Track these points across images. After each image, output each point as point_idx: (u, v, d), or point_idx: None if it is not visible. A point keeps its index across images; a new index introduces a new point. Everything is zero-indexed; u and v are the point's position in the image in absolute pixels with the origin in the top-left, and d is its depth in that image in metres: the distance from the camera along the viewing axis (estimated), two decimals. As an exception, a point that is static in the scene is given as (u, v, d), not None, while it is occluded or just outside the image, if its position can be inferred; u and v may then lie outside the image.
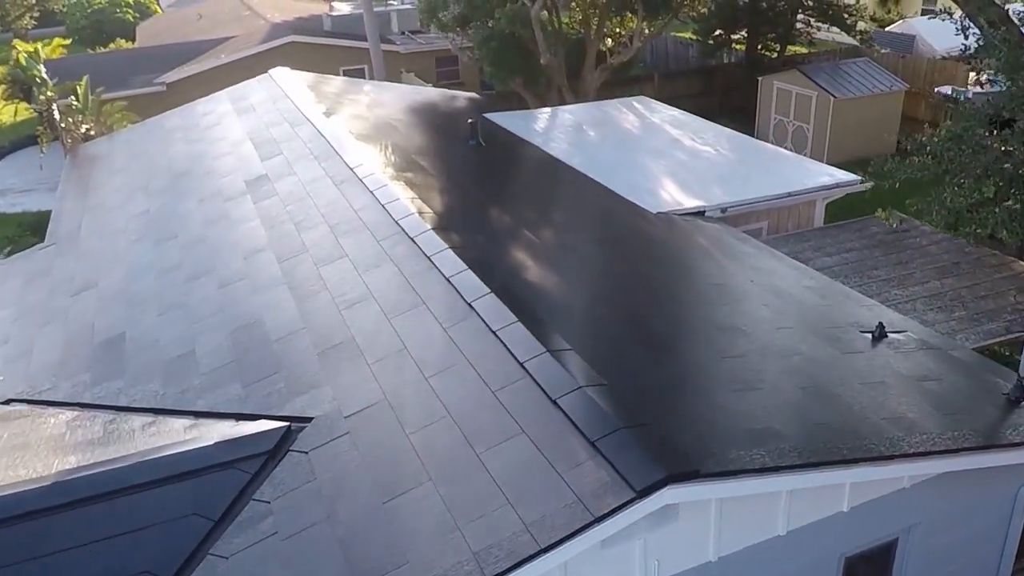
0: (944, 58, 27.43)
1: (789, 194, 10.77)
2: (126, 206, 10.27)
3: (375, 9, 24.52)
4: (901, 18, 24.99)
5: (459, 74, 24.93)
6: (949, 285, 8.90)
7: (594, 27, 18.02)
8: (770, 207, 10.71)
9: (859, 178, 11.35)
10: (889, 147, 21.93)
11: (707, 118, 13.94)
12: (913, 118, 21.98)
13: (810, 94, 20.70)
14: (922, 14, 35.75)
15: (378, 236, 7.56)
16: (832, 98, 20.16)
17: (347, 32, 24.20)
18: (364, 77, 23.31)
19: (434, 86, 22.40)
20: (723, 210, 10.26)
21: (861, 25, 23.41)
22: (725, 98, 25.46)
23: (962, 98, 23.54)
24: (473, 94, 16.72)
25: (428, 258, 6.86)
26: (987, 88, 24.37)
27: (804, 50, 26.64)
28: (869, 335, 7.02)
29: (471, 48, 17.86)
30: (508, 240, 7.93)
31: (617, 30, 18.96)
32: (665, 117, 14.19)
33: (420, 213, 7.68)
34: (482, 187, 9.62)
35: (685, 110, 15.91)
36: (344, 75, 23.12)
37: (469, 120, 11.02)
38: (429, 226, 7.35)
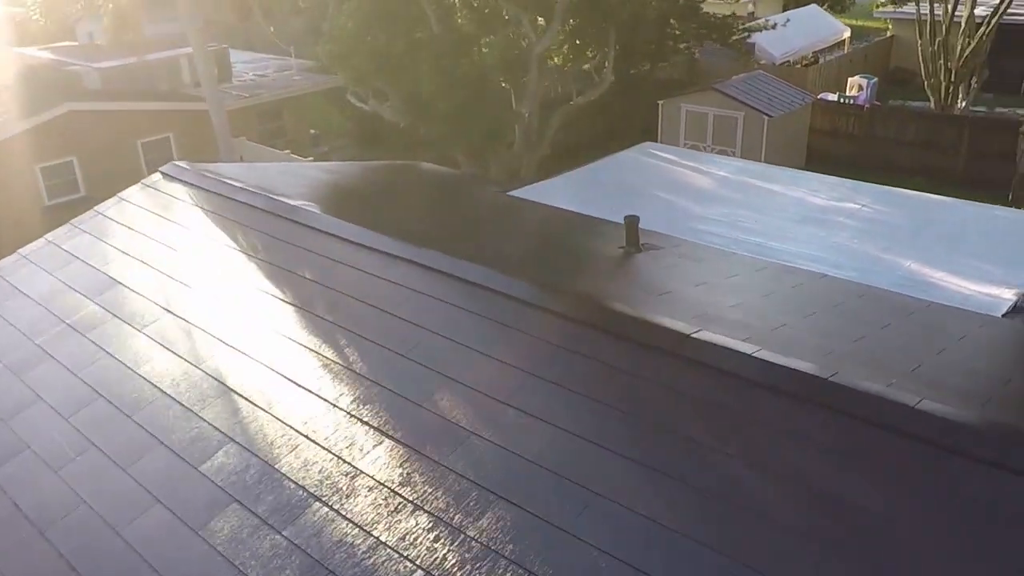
0: (785, 64, 27.06)
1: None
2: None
3: (157, 55, 18.25)
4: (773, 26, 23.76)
5: (285, 131, 19.33)
6: None
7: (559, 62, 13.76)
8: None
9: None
10: (800, 160, 20.41)
11: (593, 149, 10.81)
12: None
13: (735, 115, 18.38)
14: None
15: None
16: (766, 118, 17.97)
17: (126, 90, 17.52)
18: (170, 148, 16.97)
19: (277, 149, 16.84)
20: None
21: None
22: (594, 124, 22.56)
23: (849, 102, 22.95)
24: (419, 163, 11.81)
25: None
26: (866, 92, 24.20)
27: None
28: None
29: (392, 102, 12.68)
30: None
31: (556, 61, 14.82)
32: (730, 168, 10.50)
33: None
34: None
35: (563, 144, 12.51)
36: (143, 150, 16.68)
37: (626, 218, 6.48)
38: None
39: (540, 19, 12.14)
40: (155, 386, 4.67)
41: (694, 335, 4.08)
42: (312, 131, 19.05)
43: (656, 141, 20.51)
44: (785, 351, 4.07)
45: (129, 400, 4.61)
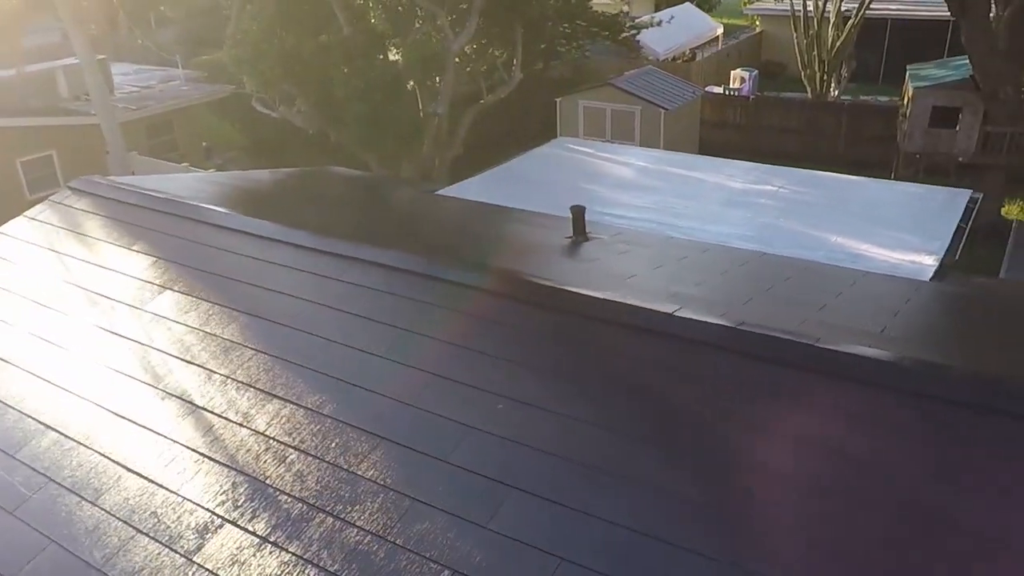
0: (667, 60, 27.92)
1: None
2: None
3: (30, 68, 17.08)
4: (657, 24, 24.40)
5: (176, 144, 18.41)
6: None
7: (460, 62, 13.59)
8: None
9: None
10: (694, 151, 21.13)
11: (497, 148, 11.06)
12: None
13: (632, 109, 18.82)
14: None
15: None
16: (663, 111, 18.48)
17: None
18: (53, 166, 15.87)
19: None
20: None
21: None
22: (491, 124, 22.60)
23: (735, 94, 23.83)
24: (335, 168, 11.43)
25: None
26: (748, 83, 25.18)
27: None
28: None
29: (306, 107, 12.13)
30: None
31: (457, 61, 14.69)
32: (647, 158, 10.74)
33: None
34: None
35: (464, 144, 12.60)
36: (23, 169, 15.54)
37: (572, 208, 6.50)
38: None
39: (451, 16, 12.04)
40: (109, 411, 4.33)
41: (677, 314, 4.12)
42: (204, 143, 18.27)
43: (556, 137, 20.77)
44: (763, 323, 4.17)
45: (83, 429, 4.25)
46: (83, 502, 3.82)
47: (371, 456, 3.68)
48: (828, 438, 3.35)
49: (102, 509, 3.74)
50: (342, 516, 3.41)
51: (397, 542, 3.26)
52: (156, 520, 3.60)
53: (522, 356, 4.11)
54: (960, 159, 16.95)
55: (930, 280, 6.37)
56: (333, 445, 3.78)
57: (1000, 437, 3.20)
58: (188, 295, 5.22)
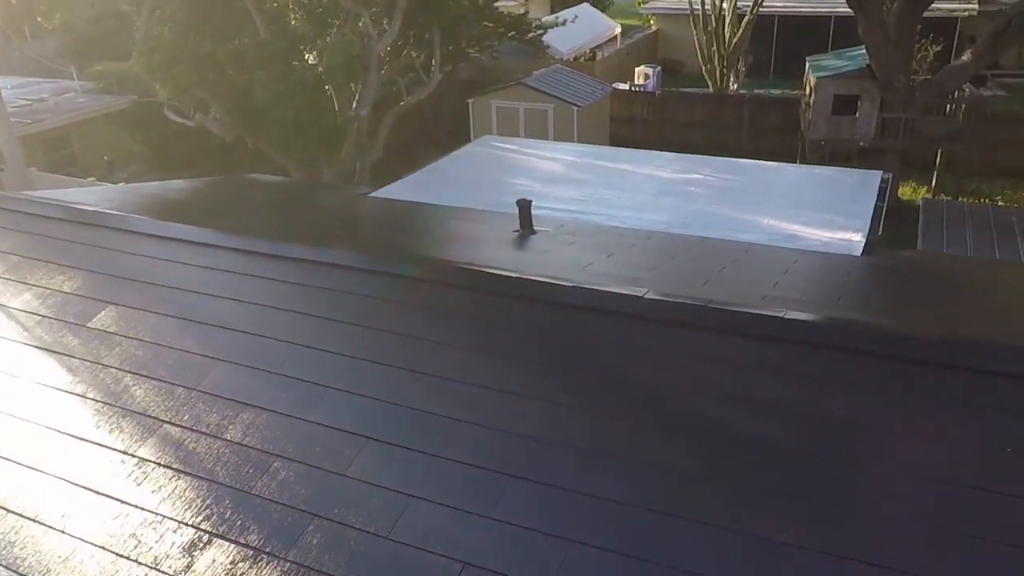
0: (570, 59, 28.31)
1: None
2: None
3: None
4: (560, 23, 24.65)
5: (75, 158, 17.45)
6: None
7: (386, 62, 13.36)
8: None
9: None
10: (605, 143, 21.51)
11: (414, 150, 11.09)
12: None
13: (544, 108, 18.98)
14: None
15: None
16: (576, 108, 18.71)
17: None
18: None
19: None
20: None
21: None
22: (404, 127, 22.41)
23: (640, 90, 24.34)
24: (257, 175, 11.04)
25: None
26: (652, 80, 25.71)
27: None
28: None
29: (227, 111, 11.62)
30: None
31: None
32: (574, 153, 10.87)
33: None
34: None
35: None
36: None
37: (518, 202, 6.52)
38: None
39: (372, 17, 11.87)
40: (65, 434, 4.10)
41: (646, 296, 4.21)
42: (105, 157, 17.44)
43: (469, 139, 20.79)
44: (728, 301, 4.31)
45: (37, 455, 4.00)
46: (49, 530, 3.59)
47: (359, 457, 3.61)
48: (809, 402, 3.49)
49: (72, 536, 3.53)
50: (339, 519, 3.33)
51: (400, 540, 3.21)
52: (136, 542, 3.43)
53: (500, 347, 4.11)
54: (861, 144, 17.88)
55: (861, 255, 6.70)
56: (317, 450, 3.69)
57: (966, 391, 3.40)
58: (133, 308, 4.99)
